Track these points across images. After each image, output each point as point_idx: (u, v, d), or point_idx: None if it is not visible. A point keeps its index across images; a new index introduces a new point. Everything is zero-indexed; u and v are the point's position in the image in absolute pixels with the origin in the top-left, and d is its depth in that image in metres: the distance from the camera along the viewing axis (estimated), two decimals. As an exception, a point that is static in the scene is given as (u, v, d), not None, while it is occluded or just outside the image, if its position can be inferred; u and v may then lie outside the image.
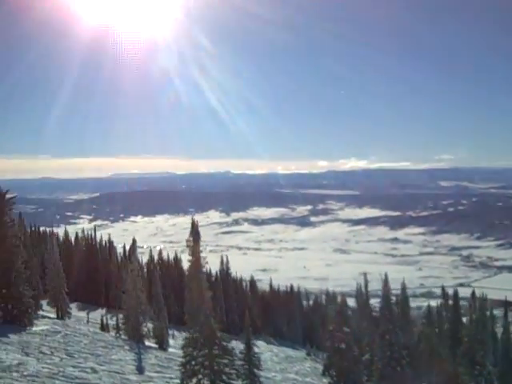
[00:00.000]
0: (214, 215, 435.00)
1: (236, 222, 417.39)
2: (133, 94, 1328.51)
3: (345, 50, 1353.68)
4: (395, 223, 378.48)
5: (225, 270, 59.72)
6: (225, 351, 19.42)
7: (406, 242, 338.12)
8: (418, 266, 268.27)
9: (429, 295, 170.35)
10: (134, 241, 29.74)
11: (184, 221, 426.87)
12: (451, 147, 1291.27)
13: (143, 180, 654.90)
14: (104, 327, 31.49)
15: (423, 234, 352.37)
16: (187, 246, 19.25)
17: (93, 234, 58.92)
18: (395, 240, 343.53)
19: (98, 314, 46.07)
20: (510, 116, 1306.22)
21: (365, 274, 35.89)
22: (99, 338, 27.99)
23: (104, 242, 60.33)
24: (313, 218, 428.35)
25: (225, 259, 61.15)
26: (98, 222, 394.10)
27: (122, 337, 30.21)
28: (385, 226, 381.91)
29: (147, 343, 30.37)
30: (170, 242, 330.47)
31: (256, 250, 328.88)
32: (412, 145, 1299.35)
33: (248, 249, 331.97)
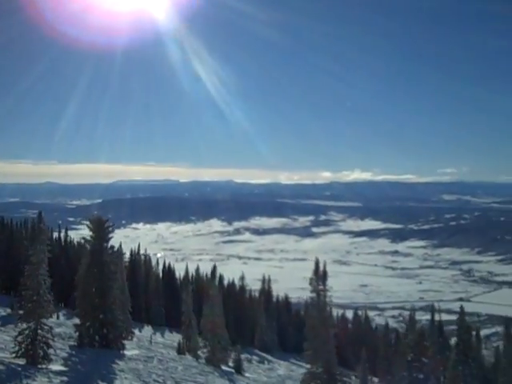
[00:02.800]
0: (216, 224, 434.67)
1: (237, 231, 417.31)
2: (138, 100, 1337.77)
3: (357, 60, 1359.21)
4: (396, 236, 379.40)
5: (266, 289, 59.87)
6: (343, 386, 20.26)
7: (406, 255, 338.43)
8: (418, 280, 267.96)
9: (428, 309, 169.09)
10: (215, 267, 30.38)
11: (185, 229, 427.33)
12: (455, 161, 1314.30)
13: (146, 187, 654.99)
14: (181, 350, 32.06)
15: (424, 247, 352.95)
16: (310, 283, 20.14)
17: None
18: (396, 253, 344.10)
19: (146, 332, 46.75)
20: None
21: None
22: (186, 363, 28.76)
23: (143, 259, 60.80)
24: (314, 229, 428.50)
25: (269, 277, 61.10)
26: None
27: (200, 360, 30.95)
28: (386, 238, 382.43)
29: (223, 367, 31.10)
30: (171, 250, 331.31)
31: (256, 259, 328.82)
32: (416, 158, 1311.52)
33: (248, 258, 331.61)
